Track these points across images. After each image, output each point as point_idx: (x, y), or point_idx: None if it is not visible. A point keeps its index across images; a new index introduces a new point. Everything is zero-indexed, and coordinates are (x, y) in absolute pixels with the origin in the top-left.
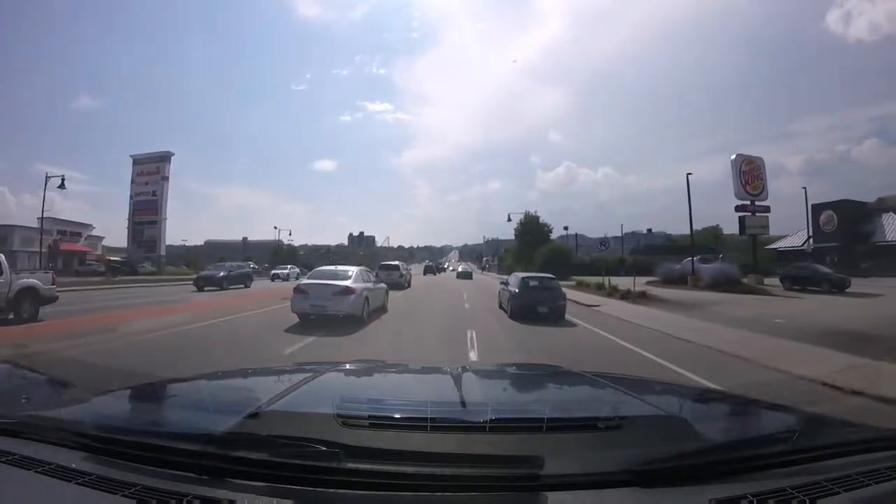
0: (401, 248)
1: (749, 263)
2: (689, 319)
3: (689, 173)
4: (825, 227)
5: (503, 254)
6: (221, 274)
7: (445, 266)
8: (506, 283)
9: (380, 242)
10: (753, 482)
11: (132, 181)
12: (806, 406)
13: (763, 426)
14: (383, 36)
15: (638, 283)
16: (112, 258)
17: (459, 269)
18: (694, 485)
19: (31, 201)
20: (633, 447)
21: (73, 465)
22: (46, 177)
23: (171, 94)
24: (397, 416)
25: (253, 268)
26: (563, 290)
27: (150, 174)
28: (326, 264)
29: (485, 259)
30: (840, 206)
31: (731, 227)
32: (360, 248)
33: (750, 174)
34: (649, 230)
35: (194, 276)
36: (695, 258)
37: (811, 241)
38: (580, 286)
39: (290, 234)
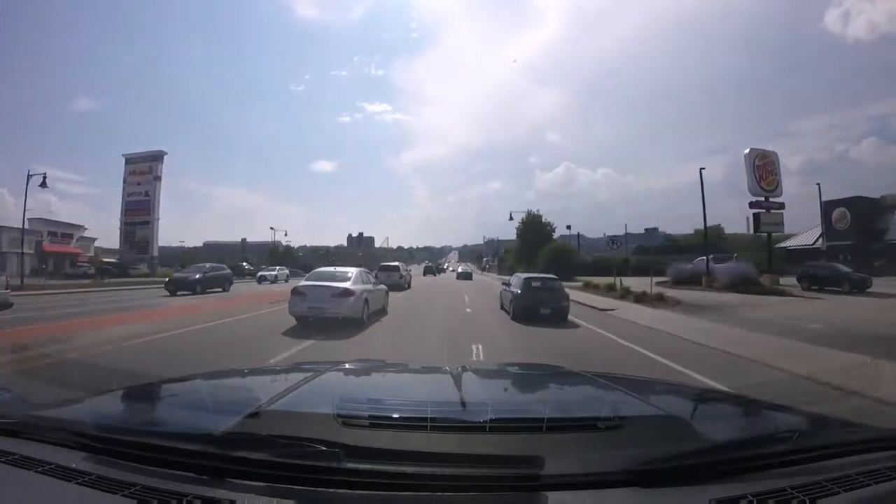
0: (400, 248)
1: (762, 263)
2: (719, 326)
3: (702, 168)
4: (838, 224)
5: (503, 254)
6: (196, 276)
7: (445, 267)
8: (507, 284)
9: (379, 243)
10: (753, 482)
11: (124, 181)
12: None
13: (763, 426)
14: (382, 36)
15: (646, 284)
16: (107, 260)
17: (459, 270)
18: (694, 485)
19: (29, 202)
20: (633, 447)
21: (73, 465)
22: (28, 175)
23: (170, 95)
24: (397, 415)
25: (248, 269)
26: (571, 292)
27: (143, 174)
28: (325, 265)
29: (485, 259)
30: (853, 203)
31: (732, 226)
32: (359, 249)
33: (764, 169)
34: (655, 228)
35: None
36: (708, 258)
37: (824, 239)
38: (588, 287)
39: (285, 235)
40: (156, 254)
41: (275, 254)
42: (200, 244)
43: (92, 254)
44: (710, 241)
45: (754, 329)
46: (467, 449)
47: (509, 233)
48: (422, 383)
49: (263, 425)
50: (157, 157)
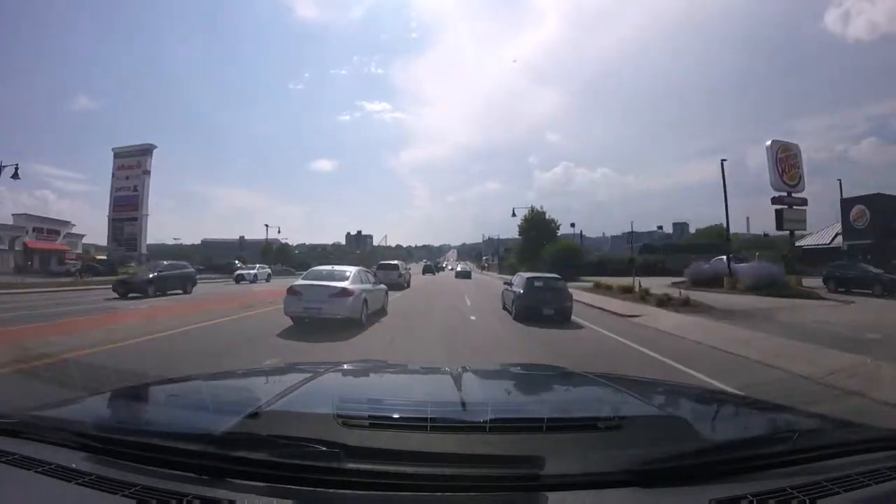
0: (399, 247)
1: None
2: (766, 336)
3: (724, 159)
4: (856, 222)
5: (503, 252)
6: (149, 276)
7: (444, 265)
8: (509, 284)
9: (377, 242)
10: (753, 482)
11: (113, 175)
12: None
13: (763, 426)
14: (382, 36)
15: (661, 285)
16: (100, 257)
17: (458, 269)
18: (694, 485)
19: (28, 200)
20: (633, 447)
21: (73, 465)
22: (0, 166)
23: (170, 95)
24: (397, 416)
25: (239, 266)
26: (581, 293)
27: (131, 168)
28: (323, 264)
29: (484, 258)
30: (873, 201)
31: (734, 227)
32: (357, 248)
33: (786, 162)
34: (660, 227)
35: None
36: (730, 258)
37: (842, 238)
38: (599, 289)
39: (278, 231)
40: (144, 251)
41: (267, 252)
42: (199, 242)
43: (80, 251)
44: (712, 240)
45: (807, 339)
46: (467, 449)
47: (509, 231)
48: (422, 383)
49: (263, 425)
50: (146, 150)
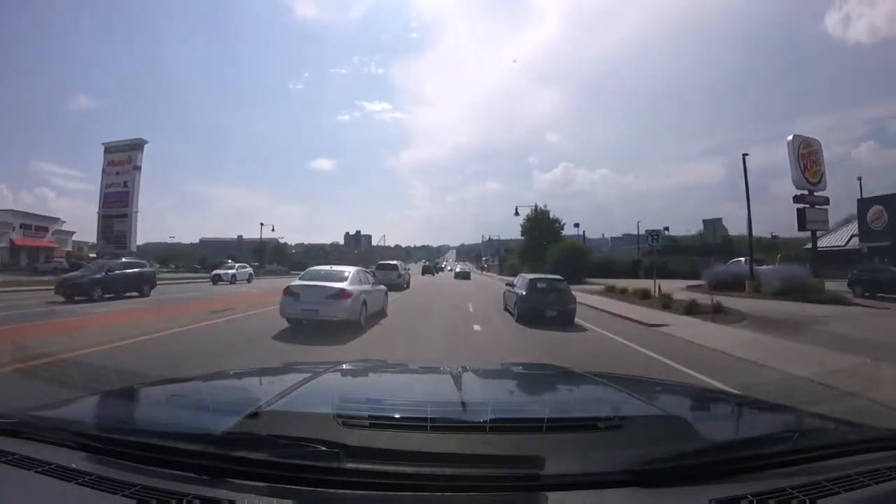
0: (398, 247)
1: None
2: (861, 360)
3: (745, 154)
4: (874, 223)
5: (504, 253)
6: (96, 276)
7: (443, 266)
8: (511, 285)
9: (376, 242)
10: (753, 482)
11: (103, 171)
12: None
13: (763, 426)
14: (382, 36)
15: (675, 289)
16: (92, 255)
17: (458, 270)
18: (694, 485)
19: (27, 198)
20: (633, 447)
21: (73, 465)
22: None
23: (171, 94)
24: (397, 416)
25: (227, 265)
26: (592, 297)
27: (122, 163)
28: (321, 264)
29: (484, 259)
30: (891, 201)
31: (735, 228)
32: (355, 247)
33: (808, 158)
34: (666, 228)
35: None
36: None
37: (858, 239)
38: (611, 292)
39: (272, 230)
40: (134, 249)
41: (259, 251)
42: (197, 241)
43: (69, 248)
44: (714, 242)
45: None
46: (467, 449)
47: (509, 232)
48: (422, 383)
49: (263, 425)
50: (137, 145)
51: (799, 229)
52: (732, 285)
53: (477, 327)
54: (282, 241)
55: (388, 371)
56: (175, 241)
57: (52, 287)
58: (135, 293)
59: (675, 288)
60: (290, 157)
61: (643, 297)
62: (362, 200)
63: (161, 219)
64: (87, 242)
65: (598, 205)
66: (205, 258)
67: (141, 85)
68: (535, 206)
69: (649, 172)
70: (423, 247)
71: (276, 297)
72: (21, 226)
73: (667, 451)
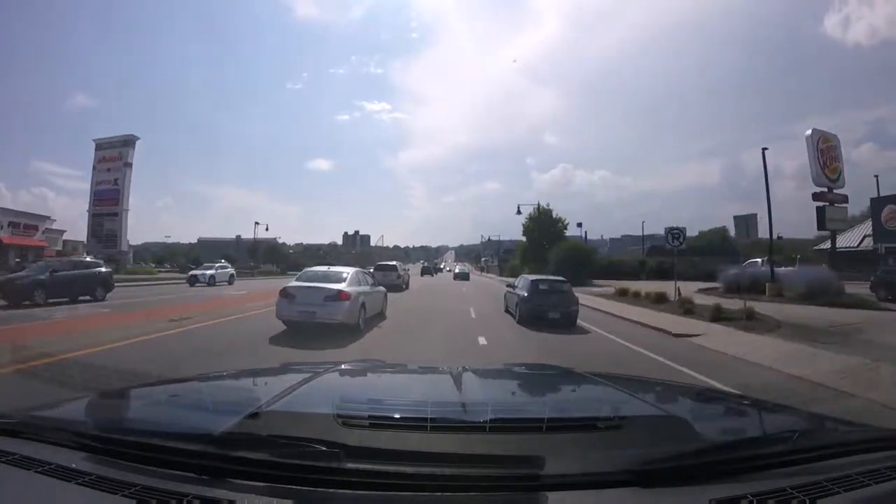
0: (396, 247)
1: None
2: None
3: (765, 148)
4: (888, 223)
5: (504, 254)
6: (39, 277)
7: (442, 266)
8: (513, 287)
9: (374, 242)
10: (753, 482)
11: (94, 168)
12: None
13: (763, 426)
14: (381, 36)
15: (689, 291)
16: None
17: (457, 270)
18: (694, 485)
19: (26, 197)
20: (633, 447)
21: (73, 465)
22: None
23: (169, 94)
24: (397, 416)
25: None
26: (602, 301)
27: (113, 160)
28: (318, 264)
29: (483, 259)
30: None
31: (731, 229)
32: (353, 248)
33: (828, 155)
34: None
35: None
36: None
37: (871, 239)
38: (623, 296)
39: (266, 229)
40: (125, 248)
41: (253, 250)
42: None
43: (59, 247)
44: (715, 244)
45: None
46: (467, 449)
47: (508, 233)
48: (422, 383)
49: (263, 425)
50: (129, 141)
51: (818, 228)
52: (750, 288)
53: (477, 329)
54: (280, 240)
55: (388, 371)
56: (173, 240)
57: None
58: (86, 296)
59: (689, 291)
60: (289, 156)
61: (657, 300)
62: (361, 200)
63: (160, 219)
64: (81, 241)
65: (597, 206)
66: (198, 258)
67: (140, 84)
68: (538, 204)
69: (648, 174)
70: (421, 247)
71: (258, 300)
72: (10, 224)
73: (667, 451)
